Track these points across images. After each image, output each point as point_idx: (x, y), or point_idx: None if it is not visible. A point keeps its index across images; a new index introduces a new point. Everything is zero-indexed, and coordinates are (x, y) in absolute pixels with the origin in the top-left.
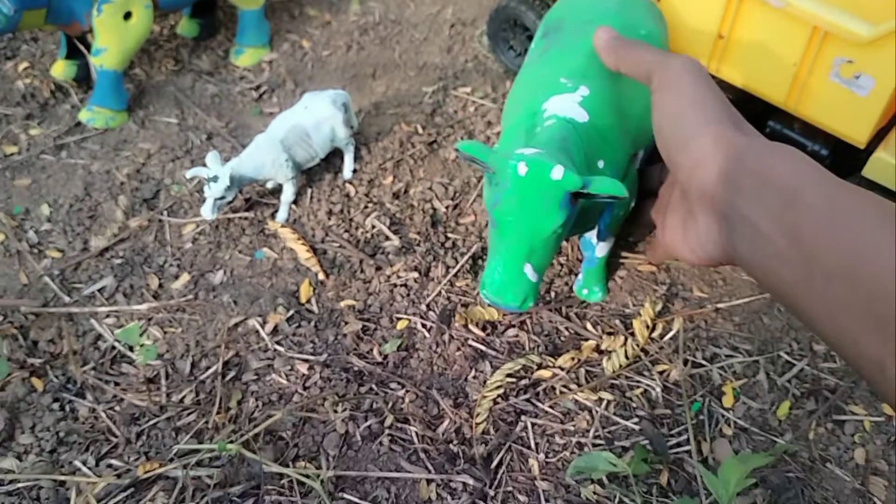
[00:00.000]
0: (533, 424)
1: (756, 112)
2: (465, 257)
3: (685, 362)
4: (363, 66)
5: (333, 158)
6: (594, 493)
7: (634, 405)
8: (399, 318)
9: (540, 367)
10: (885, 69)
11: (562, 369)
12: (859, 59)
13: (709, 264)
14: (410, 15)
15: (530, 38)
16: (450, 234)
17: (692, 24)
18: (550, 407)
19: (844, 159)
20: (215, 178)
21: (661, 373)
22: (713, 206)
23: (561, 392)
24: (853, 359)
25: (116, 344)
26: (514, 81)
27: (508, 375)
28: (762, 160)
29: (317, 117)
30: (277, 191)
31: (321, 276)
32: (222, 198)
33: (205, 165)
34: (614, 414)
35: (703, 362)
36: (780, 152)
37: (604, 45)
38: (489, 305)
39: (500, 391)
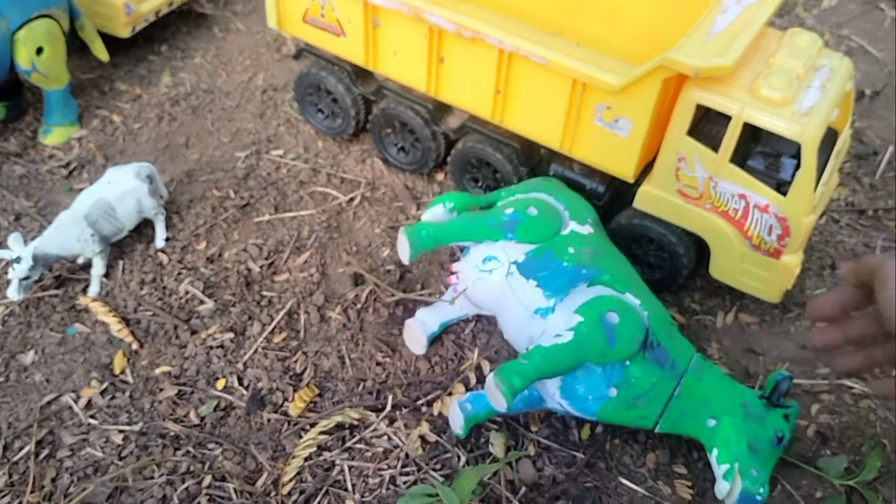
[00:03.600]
0: (350, 467)
1: (540, 157)
2: (281, 313)
3: None
4: (175, 136)
5: (146, 229)
6: None
7: (444, 438)
8: (216, 379)
9: (359, 420)
10: (639, 112)
11: (378, 410)
12: (615, 104)
13: None
14: (222, 83)
15: (335, 100)
16: (265, 293)
17: (475, 81)
18: (365, 449)
19: (620, 194)
20: (18, 259)
21: None
22: None
23: (375, 435)
24: None
25: None
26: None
27: (322, 433)
28: None
29: (120, 190)
30: (89, 266)
31: (135, 346)
32: (27, 278)
33: (7, 247)
34: (426, 449)
35: None
36: None
37: (848, 272)
38: None
39: (314, 448)
